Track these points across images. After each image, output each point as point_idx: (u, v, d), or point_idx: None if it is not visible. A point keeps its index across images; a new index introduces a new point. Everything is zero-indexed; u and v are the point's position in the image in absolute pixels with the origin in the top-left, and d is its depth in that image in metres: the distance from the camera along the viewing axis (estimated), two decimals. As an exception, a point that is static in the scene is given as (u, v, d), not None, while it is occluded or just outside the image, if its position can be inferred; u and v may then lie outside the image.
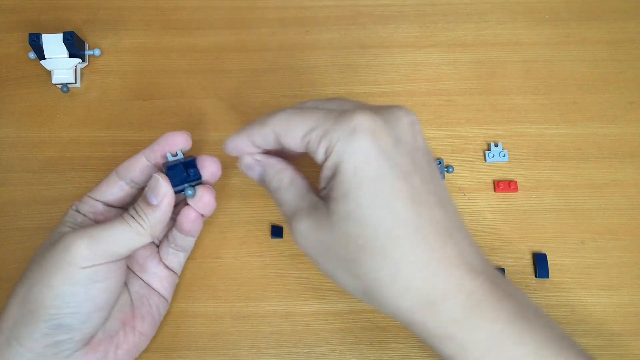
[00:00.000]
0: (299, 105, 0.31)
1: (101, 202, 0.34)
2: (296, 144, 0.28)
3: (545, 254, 0.39)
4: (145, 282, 0.35)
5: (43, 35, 0.41)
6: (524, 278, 0.39)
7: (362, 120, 0.26)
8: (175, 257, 0.36)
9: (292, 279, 0.39)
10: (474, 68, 0.44)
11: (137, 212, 0.31)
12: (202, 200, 0.33)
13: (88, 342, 0.31)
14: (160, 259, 0.36)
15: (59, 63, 0.41)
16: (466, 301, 0.26)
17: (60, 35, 0.40)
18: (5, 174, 0.41)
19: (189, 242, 0.36)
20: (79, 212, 0.34)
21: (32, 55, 0.42)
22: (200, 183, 0.33)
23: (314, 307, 0.38)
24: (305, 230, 0.28)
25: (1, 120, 0.42)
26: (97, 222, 0.34)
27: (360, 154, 0.26)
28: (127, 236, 0.30)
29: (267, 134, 0.29)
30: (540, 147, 0.42)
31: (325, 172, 0.28)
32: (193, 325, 0.37)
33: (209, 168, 0.33)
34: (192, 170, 0.32)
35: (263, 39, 0.44)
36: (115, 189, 0.34)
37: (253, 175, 0.32)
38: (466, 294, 0.26)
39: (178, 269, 0.37)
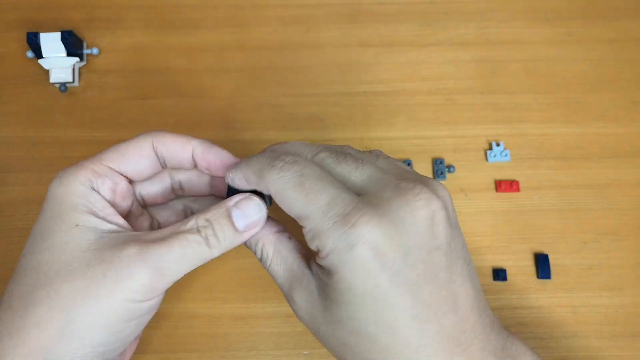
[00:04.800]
0: (314, 150, 0.26)
1: (126, 178, 0.27)
2: (289, 211, 0.25)
3: (547, 255, 0.39)
4: None
5: (41, 34, 0.40)
6: (525, 279, 0.39)
7: (365, 233, 0.22)
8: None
9: (292, 279, 0.38)
10: (475, 67, 0.43)
11: (214, 232, 0.26)
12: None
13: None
14: None
15: (57, 62, 0.41)
16: None
17: (59, 34, 0.40)
18: (3, 174, 0.40)
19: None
20: (95, 191, 0.26)
21: (29, 54, 0.42)
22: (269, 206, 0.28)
23: (313, 308, 0.38)
24: (302, 307, 0.26)
25: (-1, 120, 0.42)
26: (115, 206, 0.27)
27: (358, 272, 0.22)
28: (197, 259, 0.25)
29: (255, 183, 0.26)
30: (542, 147, 0.41)
31: (320, 264, 0.24)
32: (191, 326, 0.37)
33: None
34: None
35: (263, 38, 0.44)
36: (145, 163, 0.27)
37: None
38: None
39: None
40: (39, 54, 0.41)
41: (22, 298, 0.23)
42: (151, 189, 0.30)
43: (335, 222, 0.23)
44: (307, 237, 0.24)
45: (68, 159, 0.41)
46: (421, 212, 0.23)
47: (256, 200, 0.26)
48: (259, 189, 0.26)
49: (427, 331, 0.23)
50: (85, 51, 0.43)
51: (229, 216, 0.26)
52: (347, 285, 0.23)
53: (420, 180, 0.24)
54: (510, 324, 0.38)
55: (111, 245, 0.24)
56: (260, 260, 0.28)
